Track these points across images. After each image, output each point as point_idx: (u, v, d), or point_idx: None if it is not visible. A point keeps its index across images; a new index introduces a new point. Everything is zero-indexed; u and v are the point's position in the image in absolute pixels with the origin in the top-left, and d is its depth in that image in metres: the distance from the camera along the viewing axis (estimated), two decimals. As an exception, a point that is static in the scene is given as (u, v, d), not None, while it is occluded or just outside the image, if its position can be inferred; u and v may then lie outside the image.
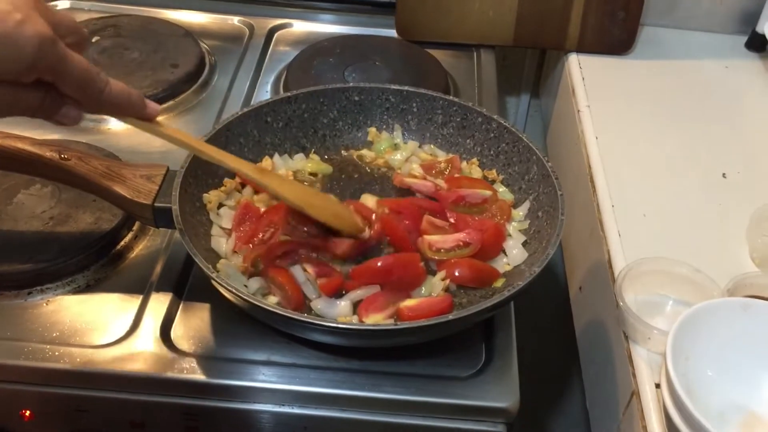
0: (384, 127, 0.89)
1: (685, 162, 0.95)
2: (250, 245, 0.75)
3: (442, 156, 0.87)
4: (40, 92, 0.55)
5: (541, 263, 0.68)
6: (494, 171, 0.84)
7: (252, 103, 1.02)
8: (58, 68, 0.54)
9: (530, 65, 1.33)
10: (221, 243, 0.76)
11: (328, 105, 0.87)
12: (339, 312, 0.70)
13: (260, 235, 0.76)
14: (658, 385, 0.68)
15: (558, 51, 1.16)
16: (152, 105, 0.63)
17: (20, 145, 0.71)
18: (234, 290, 0.64)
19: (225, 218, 0.78)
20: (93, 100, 0.58)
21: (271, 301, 0.70)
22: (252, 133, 0.83)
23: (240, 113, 0.82)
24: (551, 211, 0.75)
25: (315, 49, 1.09)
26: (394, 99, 0.88)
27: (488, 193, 0.81)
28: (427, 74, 1.06)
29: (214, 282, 0.66)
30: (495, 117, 0.84)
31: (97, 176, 0.72)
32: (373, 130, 0.89)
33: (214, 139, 0.78)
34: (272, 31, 1.16)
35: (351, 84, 0.88)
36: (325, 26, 1.19)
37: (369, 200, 0.81)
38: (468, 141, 0.87)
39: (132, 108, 0.62)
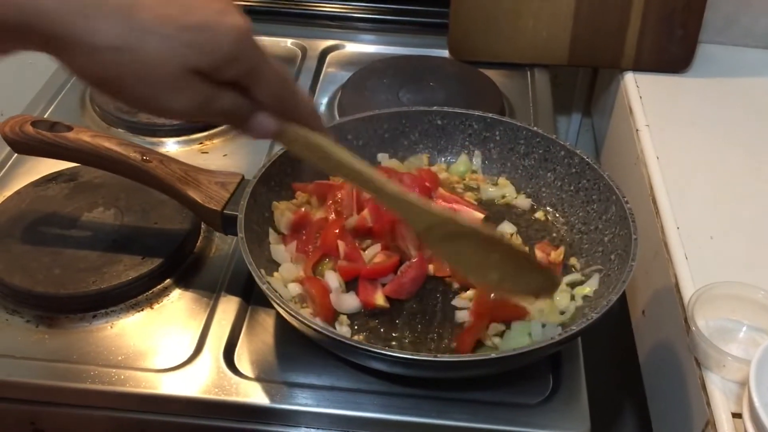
0: (466, 152, 0.89)
1: (750, 182, 0.92)
2: (307, 254, 0.75)
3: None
4: (235, 94, 0.51)
5: (600, 309, 0.65)
6: (577, 258, 0.79)
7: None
8: (257, 69, 0.51)
9: (582, 84, 1.32)
10: (279, 251, 0.76)
11: (410, 127, 0.87)
12: (350, 306, 0.71)
13: (316, 242, 0.76)
14: (735, 414, 0.66)
15: (613, 70, 1.14)
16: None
17: (107, 144, 0.75)
18: (278, 302, 0.65)
19: (283, 224, 0.79)
20: (289, 109, 0.55)
21: (306, 312, 0.70)
22: None
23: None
24: (623, 255, 0.72)
25: (368, 71, 1.09)
26: (477, 126, 0.87)
27: (480, 215, 0.80)
28: (482, 95, 1.05)
29: (265, 292, 0.66)
30: (578, 152, 0.82)
31: (174, 180, 0.75)
32: (441, 166, 0.89)
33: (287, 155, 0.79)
34: (324, 53, 1.17)
35: (435, 107, 0.88)
36: (377, 47, 1.19)
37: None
38: (549, 174, 0.85)
39: (317, 123, 0.58)
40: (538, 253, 0.79)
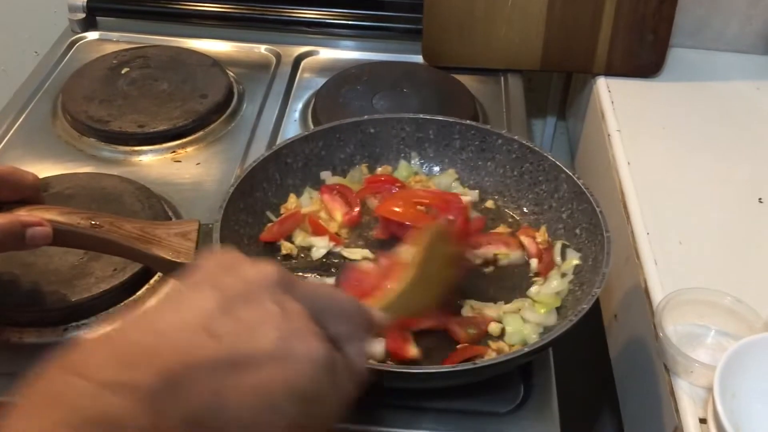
0: (402, 156, 0.89)
1: (719, 187, 0.93)
2: None
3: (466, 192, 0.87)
4: None
5: (600, 282, 0.67)
6: (544, 229, 0.81)
7: (281, 132, 1.02)
8: None
9: (556, 87, 1.33)
10: None
11: (344, 140, 0.87)
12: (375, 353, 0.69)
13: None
14: (702, 420, 0.67)
15: (585, 74, 1.15)
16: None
17: (48, 216, 0.67)
18: None
19: None
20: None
21: None
22: (274, 176, 0.83)
23: (262, 158, 0.81)
24: (591, 228, 0.75)
25: (342, 77, 1.09)
26: (410, 128, 0.87)
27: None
28: (454, 100, 1.05)
29: None
30: (516, 137, 0.84)
31: (132, 240, 0.70)
32: (387, 168, 0.89)
33: (240, 188, 0.77)
34: (299, 59, 1.17)
35: (365, 117, 0.88)
36: (351, 53, 1.19)
37: None
38: (489, 163, 0.86)
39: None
40: (525, 240, 0.80)
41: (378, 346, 0.68)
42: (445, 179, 0.87)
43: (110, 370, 0.37)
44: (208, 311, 0.40)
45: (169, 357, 0.38)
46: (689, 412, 0.68)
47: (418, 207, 0.79)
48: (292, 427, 0.40)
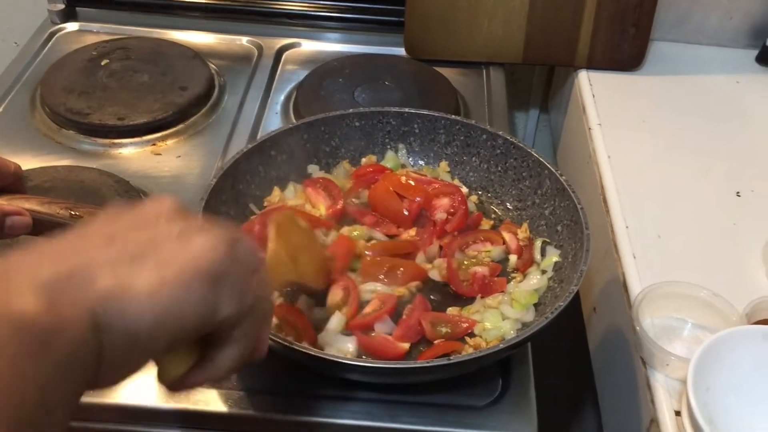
0: (389, 146, 0.89)
1: (698, 181, 0.94)
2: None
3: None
4: None
5: (578, 280, 0.67)
6: (526, 225, 0.81)
7: (262, 125, 1.02)
8: None
9: (539, 80, 1.33)
10: None
11: (329, 133, 0.86)
12: (348, 349, 0.69)
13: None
14: (677, 412, 0.68)
15: (567, 68, 1.15)
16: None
17: (27, 205, 0.65)
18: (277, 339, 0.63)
19: None
20: None
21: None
22: (258, 168, 0.82)
23: (246, 150, 0.80)
24: (572, 225, 0.75)
25: (324, 70, 1.08)
26: (395, 122, 0.87)
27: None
28: (436, 93, 1.06)
29: None
30: (500, 133, 0.84)
31: None
32: (372, 158, 0.89)
33: (223, 180, 0.76)
34: (281, 51, 1.16)
35: (351, 110, 0.87)
36: (334, 45, 1.18)
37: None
38: (474, 159, 0.87)
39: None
40: (506, 235, 0.80)
41: (350, 344, 0.69)
42: (438, 172, 0.88)
43: (13, 271, 0.38)
44: (108, 230, 0.43)
45: (67, 257, 0.40)
46: (665, 405, 0.69)
47: (416, 198, 0.81)
48: (206, 306, 0.42)
